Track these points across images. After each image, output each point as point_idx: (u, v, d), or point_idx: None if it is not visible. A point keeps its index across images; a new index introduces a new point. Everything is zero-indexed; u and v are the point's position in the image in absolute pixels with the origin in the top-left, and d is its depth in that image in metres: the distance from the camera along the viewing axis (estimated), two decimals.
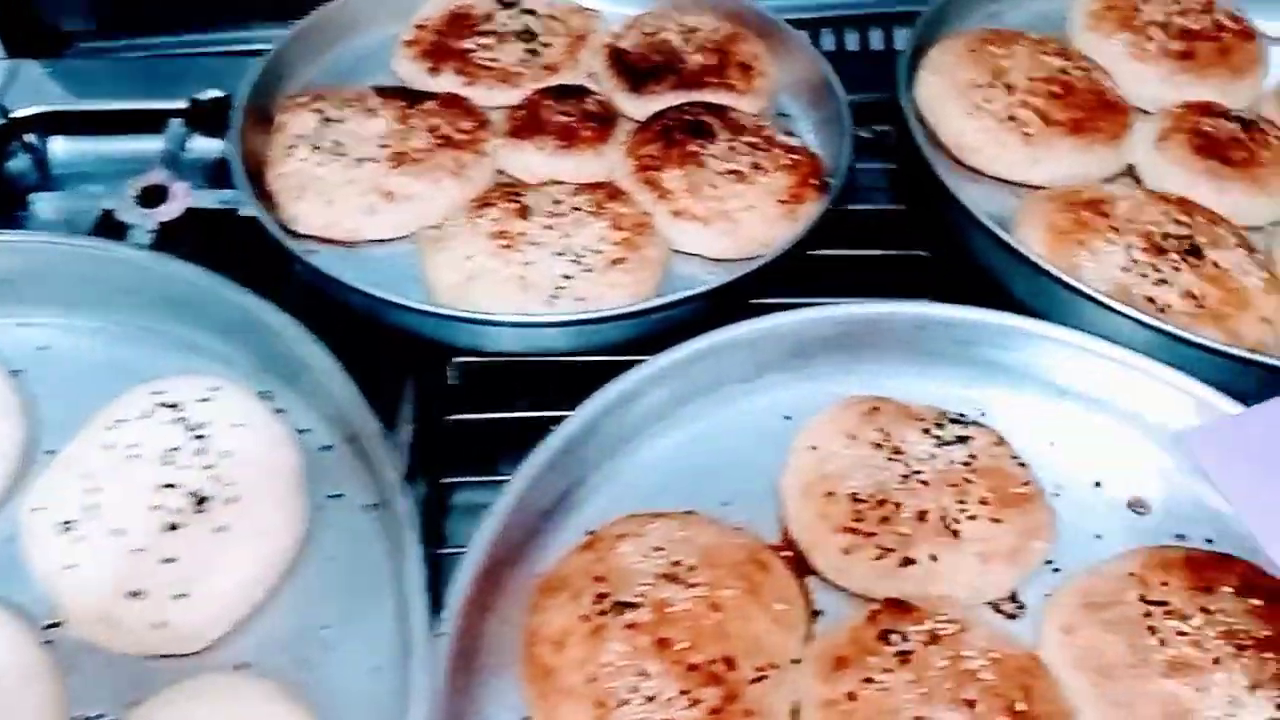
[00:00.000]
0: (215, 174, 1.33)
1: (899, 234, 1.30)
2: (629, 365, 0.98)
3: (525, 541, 0.91)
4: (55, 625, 0.85)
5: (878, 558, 0.87)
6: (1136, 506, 0.95)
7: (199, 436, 0.90)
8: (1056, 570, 0.90)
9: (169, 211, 1.23)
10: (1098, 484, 0.97)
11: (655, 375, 0.99)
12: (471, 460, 1.05)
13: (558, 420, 0.93)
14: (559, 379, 1.10)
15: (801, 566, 0.91)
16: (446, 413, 1.09)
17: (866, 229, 1.31)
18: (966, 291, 1.08)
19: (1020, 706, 0.77)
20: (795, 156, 1.26)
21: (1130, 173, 1.30)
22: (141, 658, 0.83)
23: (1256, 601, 0.82)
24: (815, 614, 0.89)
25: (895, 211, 1.34)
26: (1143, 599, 0.83)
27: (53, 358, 1.03)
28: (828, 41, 1.69)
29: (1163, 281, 1.08)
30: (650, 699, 0.78)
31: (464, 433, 1.07)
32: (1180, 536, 0.92)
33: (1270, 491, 0.74)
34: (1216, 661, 0.78)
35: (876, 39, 1.65)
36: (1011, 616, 0.88)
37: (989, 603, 0.89)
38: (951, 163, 1.29)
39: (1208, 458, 0.80)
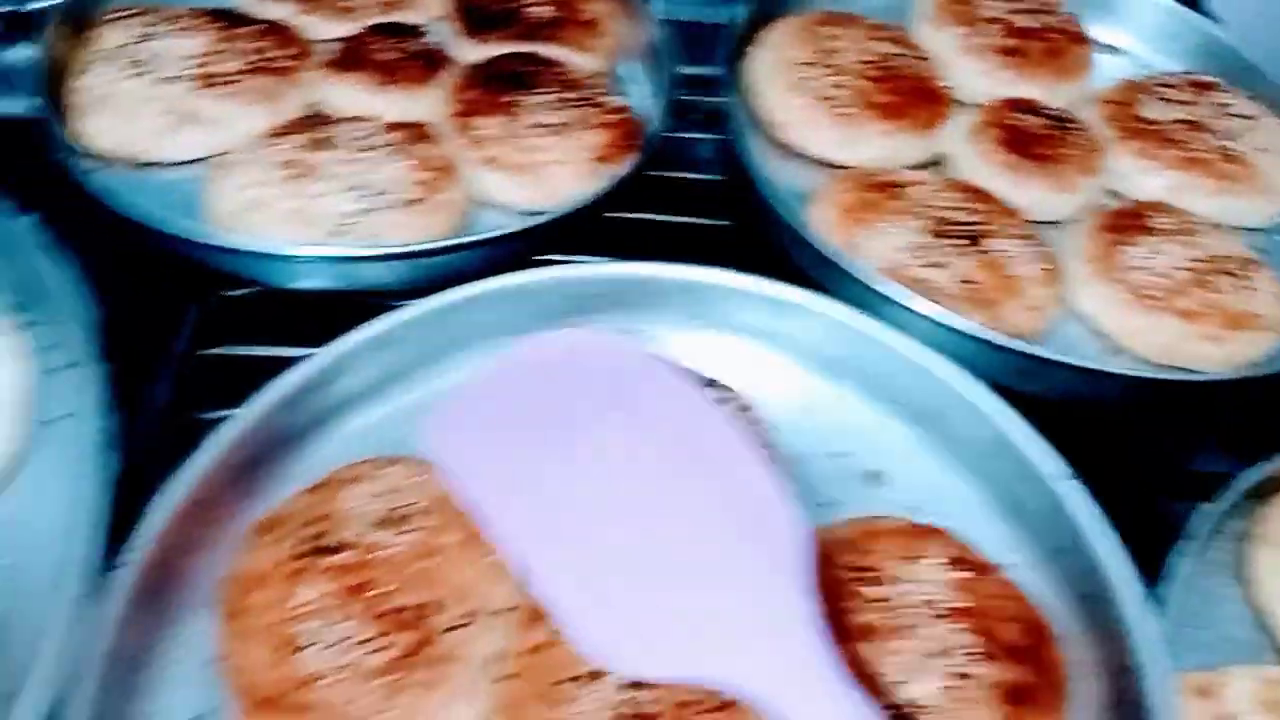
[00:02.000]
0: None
1: (713, 204, 1.29)
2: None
3: (253, 481, 0.89)
4: None
5: None
6: (872, 480, 0.96)
7: None
8: None
9: None
10: (840, 455, 0.98)
11: (417, 319, 0.97)
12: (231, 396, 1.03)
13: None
14: (335, 317, 1.08)
15: None
16: (208, 346, 1.07)
17: (684, 198, 1.31)
18: (768, 265, 1.08)
19: None
20: (615, 116, 1.26)
21: (944, 163, 1.31)
22: None
23: (961, 575, 0.83)
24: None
25: (716, 183, 1.33)
26: (855, 565, 0.83)
27: None
28: (687, 12, 1.67)
29: (936, 265, 1.10)
30: (337, 643, 0.77)
31: (223, 367, 1.05)
32: (912, 510, 0.93)
33: (503, 477, 0.70)
34: (903, 630, 0.79)
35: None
36: None
37: None
38: (775, 140, 1.28)
39: (441, 446, 0.73)
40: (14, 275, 0.97)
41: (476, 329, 1.01)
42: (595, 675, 0.76)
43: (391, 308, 0.97)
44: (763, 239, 1.19)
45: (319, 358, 0.92)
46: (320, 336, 0.96)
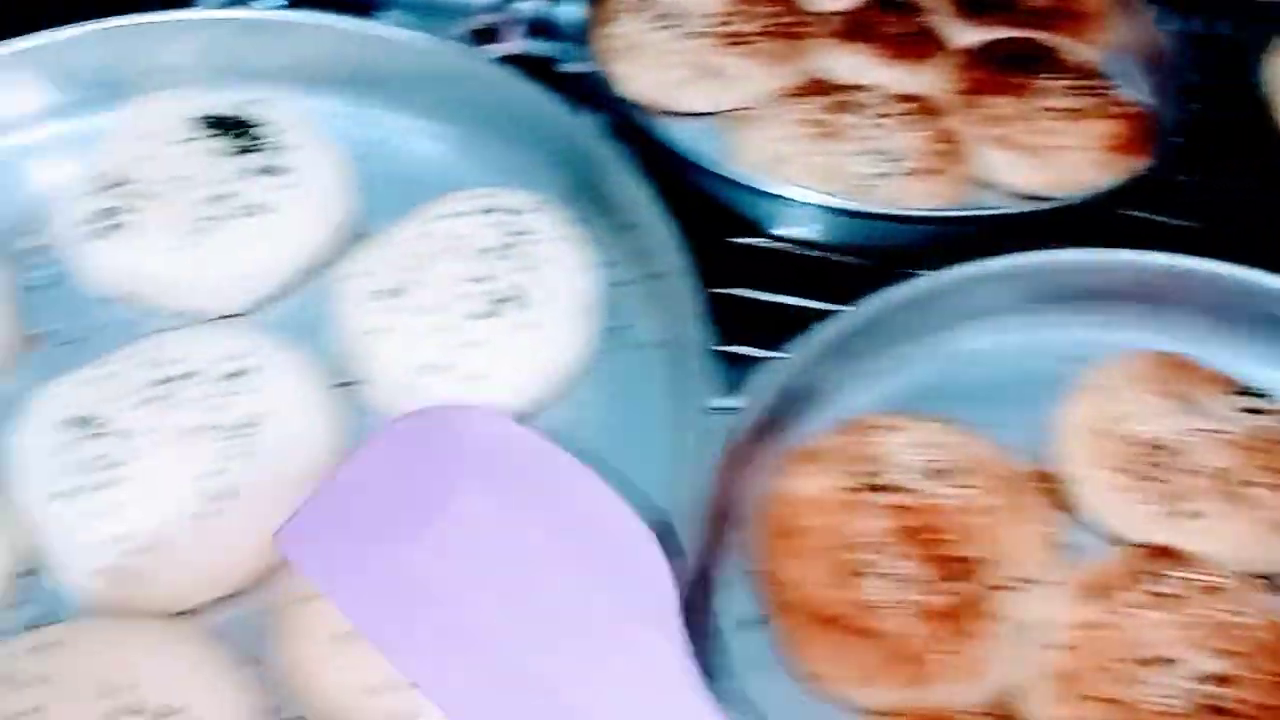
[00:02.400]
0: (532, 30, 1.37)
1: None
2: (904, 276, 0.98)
3: (777, 421, 0.91)
4: (349, 384, 0.90)
5: (1149, 503, 0.84)
6: None
7: (518, 241, 0.95)
8: None
9: (500, 49, 1.28)
10: None
11: (939, 287, 0.98)
12: (745, 336, 1.06)
13: (828, 313, 0.94)
14: (828, 276, 1.11)
15: (1060, 503, 0.89)
16: (723, 286, 1.11)
17: (1201, 203, 1.23)
18: None
19: None
20: (1129, 109, 1.22)
21: None
22: None
23: None
24: (1068, 550, 0.86)
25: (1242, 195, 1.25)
26: None
27: (386, 152, 1.11)
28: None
29: None
30: (894, 578, 0.78)
31: (738, 308, 1.08)
32: None
33: (368, 575, 0.64)
34: None
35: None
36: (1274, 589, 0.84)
37: (1258, 576, 0.84)
38: None
39: (301, 557, 0.68)
40: (583, 187, 1.04)
41: (987, 304, 1.01)
42: (1161, 660, 0.74)
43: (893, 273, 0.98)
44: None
45: (862, 309, 0.94)
46: (824, 293, 1.01)
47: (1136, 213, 1.18)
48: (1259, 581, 0.83)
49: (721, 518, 0.83)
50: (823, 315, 0.94)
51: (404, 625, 0.64)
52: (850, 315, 0.94)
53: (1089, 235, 1.05)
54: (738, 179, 1.09)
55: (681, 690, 0.62)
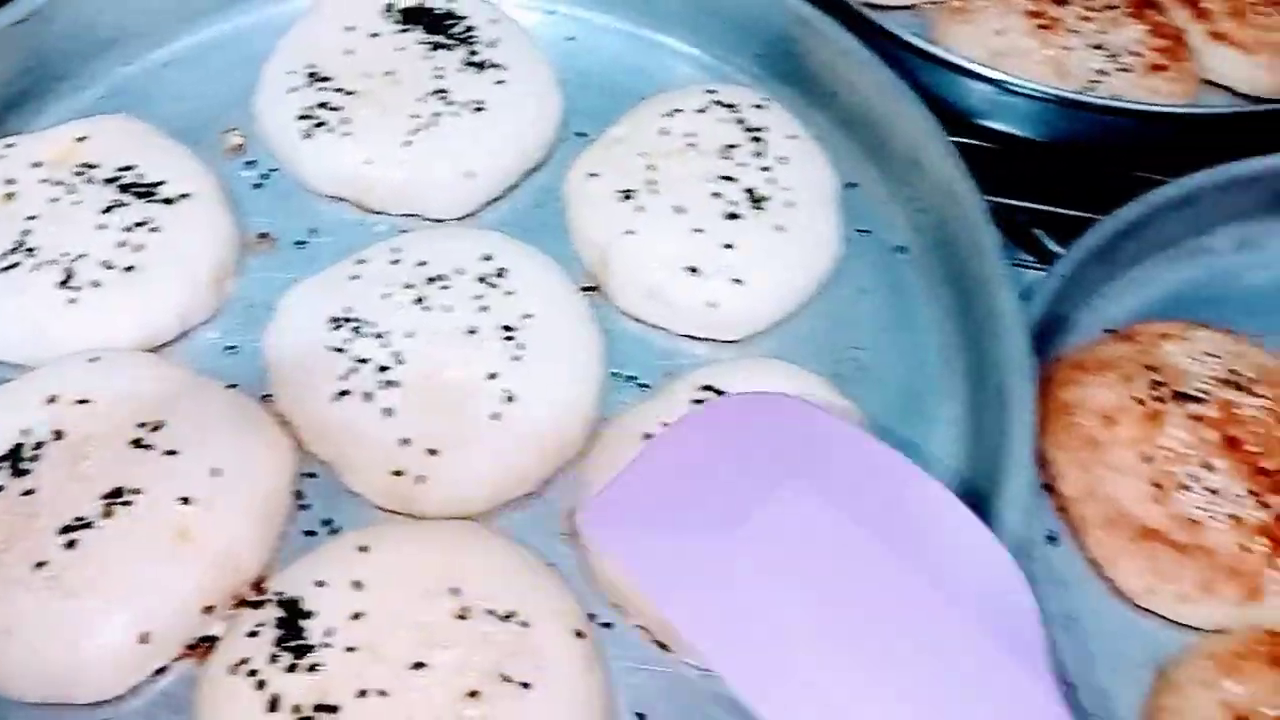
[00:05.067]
0: None
1: None
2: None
3: (1050, 330, 0.86)
4: (592, 289, 0.85)
5: None
6: None
7: (757, 139, 0.89)
8: None
9: None
10: None
11: (1196, 191, 0.92)
12: None
13: (1054, 215, 0.90)
14: (1053, 176, 1.05)
15: None
16: None
17: None
18: None
19: None
20: None
21: None
22: (677, 335, 0.83)
23: None
24: None
25: None
26: None
27: (581, 49, 1.04)
28: None
29: None
30: (1213, 491, 0.73)
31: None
32: None
33: (665, 556, 0.59)
34: None
35: None
36: None
37: None
38: None
39: (606, 539, 0.64)
40: (806, 87, 0.98)
41: (1242, 209, 0.96)
42: None
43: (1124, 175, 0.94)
44: None
45: (1123, 214, 0.89)
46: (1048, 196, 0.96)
47: None
48: None
49: None
50: (1052, 219, 0.90)
51: (717, 617, 0.58)
52: (1112, 220, 0.88)
53: None
54: (970, 68, 1.01)
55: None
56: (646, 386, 0.81)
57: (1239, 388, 0.79)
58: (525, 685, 0.60)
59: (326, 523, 0.73)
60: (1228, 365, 0.82)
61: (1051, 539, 0.78)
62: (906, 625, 0.57)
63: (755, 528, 0.60)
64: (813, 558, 0.59)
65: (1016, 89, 1.01)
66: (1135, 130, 1.04)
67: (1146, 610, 0.74)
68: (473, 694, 0.60)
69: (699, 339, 0.85)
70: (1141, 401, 0.78)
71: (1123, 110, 1.01)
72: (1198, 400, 0.78)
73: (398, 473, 0.71)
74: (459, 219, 0.90)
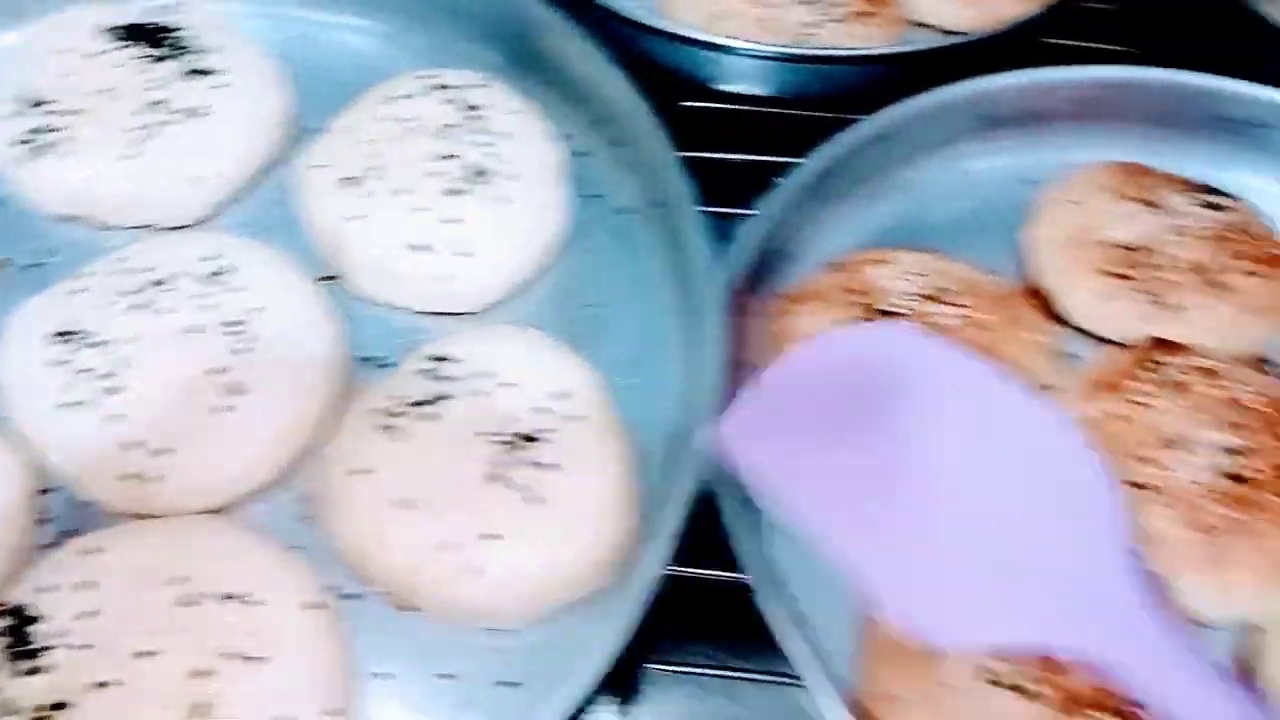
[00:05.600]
0: None
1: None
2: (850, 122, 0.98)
3: (767, 267, 0.91)
4: (330, 279, 0.87)
5: (1135, 302, 0.87)
6: None
7: (475, 117, 0.92)
8: None
9: None
10: None
11: (900, 120, 0.99)
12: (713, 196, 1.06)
13: (785, 165, 0.93)
14: (780, 128, 1.10)
15: (1050, 316, 0.91)
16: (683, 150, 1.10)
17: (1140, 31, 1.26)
18: None
19: None
20: None
21: None
22: (417, 314, 0.86)
23: None
24: (1064, 357, 0.89)
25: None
26: None
27: (310, 48, 1.06)
28: None
29: None
30: None
31: (701, 169, 1.07)
32: None
33: (810, 467, 0.66)
34: None
35: None
36: (1264, 374, 0.88)
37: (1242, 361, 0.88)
38: None
39: (738, 447, 0.69)
40: (531, 64, 1.02)
41: (937, 138, 1.03)
42: (1180, 440, 0.77)
43: (843, 119, 0.98)
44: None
45: (822, 154, 0.94)
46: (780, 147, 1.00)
47: (1064, 41, 1.20)
48: (1251, 362, 0.87)
49: (734, 365, 0.83)
50: (782, 169, 0.94)
51: (848, 515, 0.65)
52: (813, 162, 0.94)
53: (1022, 65, 1.05)
54: (686, 35, 1.06)
55: (1131, 603, 0.61)
56: (394, 366, 0.83)
57: (939, 301, 0.86)
58: (259, 659, 0.62)
59: (69, 533, 0.73)
60: (931, 282, 0.88)
61: None
62: (1010, 524, 0.64)
63: (875, 438, 0.67)
64: (926, 462, 0.66)
65: (731, 50, 1.06)
66: (850, 77, 1.11)
67: None
68: (203, 673, 0.61)
69: (441, 314, 0.87)
70: (848, 323, 0.84)
71: (829, 58, 1.08)
72: (899, 315, 0.83)
73: (131, 476, 0.72)
74: (195, 224, 0.90)
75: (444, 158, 0.90)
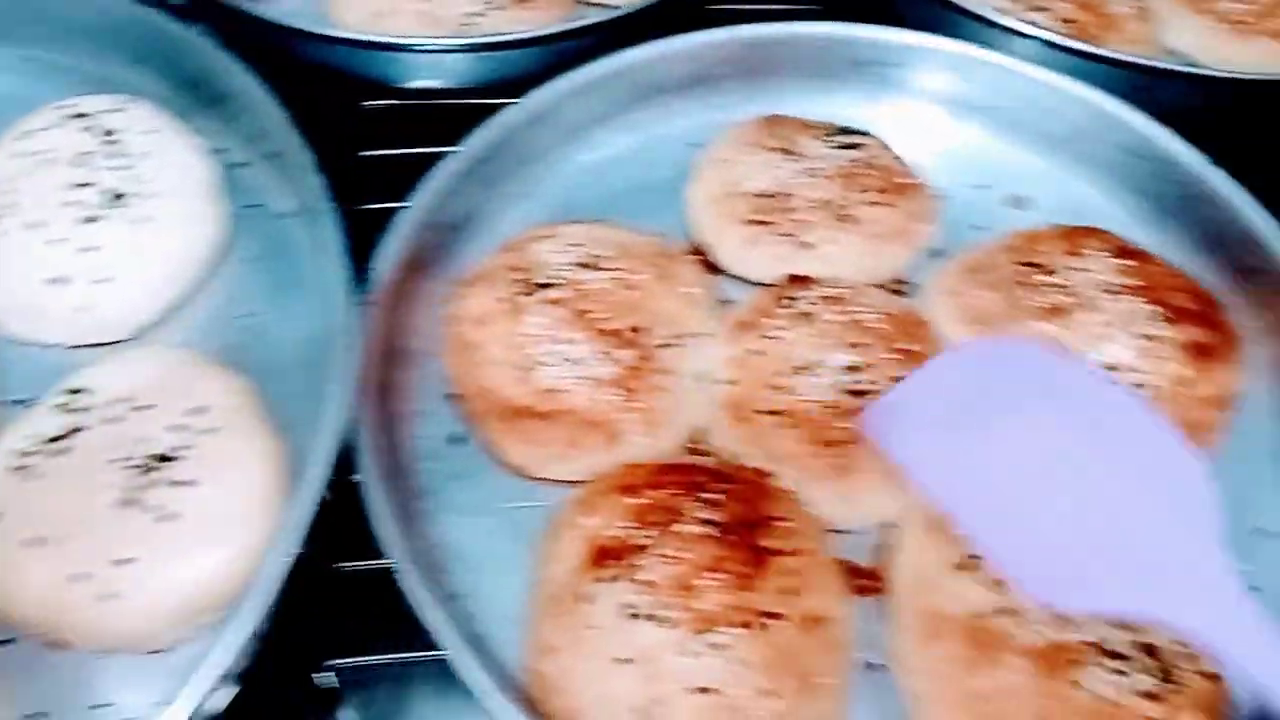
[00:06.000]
0: None
1: None
2: None
3: (440, 254, 0.94)
4: None
5: (775, 244, 0.92)
6: (1016, 203, 1.01)
7: (112, 141, 0.91)
8: (941, 255, 0.96)
9: None
10: (981, 186, 1.03)
11: (555, 98, 1.02)
12: (384, 191, 1.06)
13: None
14: (463, 120, 1.11)
15: (710, 268, 0.96)
16: (357, 150, 1.10)
17: None
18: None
19: (904, 346, 0.83)
20: None
21: None
22: (71, 349, 0.84)
23: (1127, 262, 0.88)
24: (724, 304, 0.93)
25: None
26: (1019, 262, 0.89)
27: None
28: None
29: (1038, 9, 1.14)
30: (570, 360, 0.82)
31: (375, 167, 1.08)
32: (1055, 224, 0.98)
33: (945, 457, 0.75)
34: (1083, 305, 0.85)
35: None
36: (900, 294, 0.94)
37: (879, 285, 0.94)
38: None
39: (884, 436, 0.78)
40: (178, 84, 1.01)
41: (607, 107, 1.06)
42: (810, 366, 0.82)
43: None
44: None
45: (479, 138, 0.96)
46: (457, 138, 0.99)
47: (727, 6, 1.25)
48: (883, 287, 0.93)
49: (396, 355, 0.85)
50: None
51: (977, 497, 0.73)
52: (466, 149, 0.96)
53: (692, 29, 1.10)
54: (340, 37, 1.07)
55: (1220, 580, 0.66)
56: None
57: (594, 267, 0.89)
58: None
59: None
60: (588, 250, 0.91)
61: (456, 439, 0.84)
62: (1117, 508, 0.71)
63: (1005, 432, 0.75)
64: (1048, 454, 0.74)
65: (395, 47, 1.08)
66: (525, 60, 1.13)
67: (538, 478, 0.82)
68: None
69: (96, 346, 0.85)
70: (507, 299, 0.86)
71: (494, 44, 1.09)
72: (552, 286, 0.86)
73: None
74: None
75: (79, 186, 0.88)
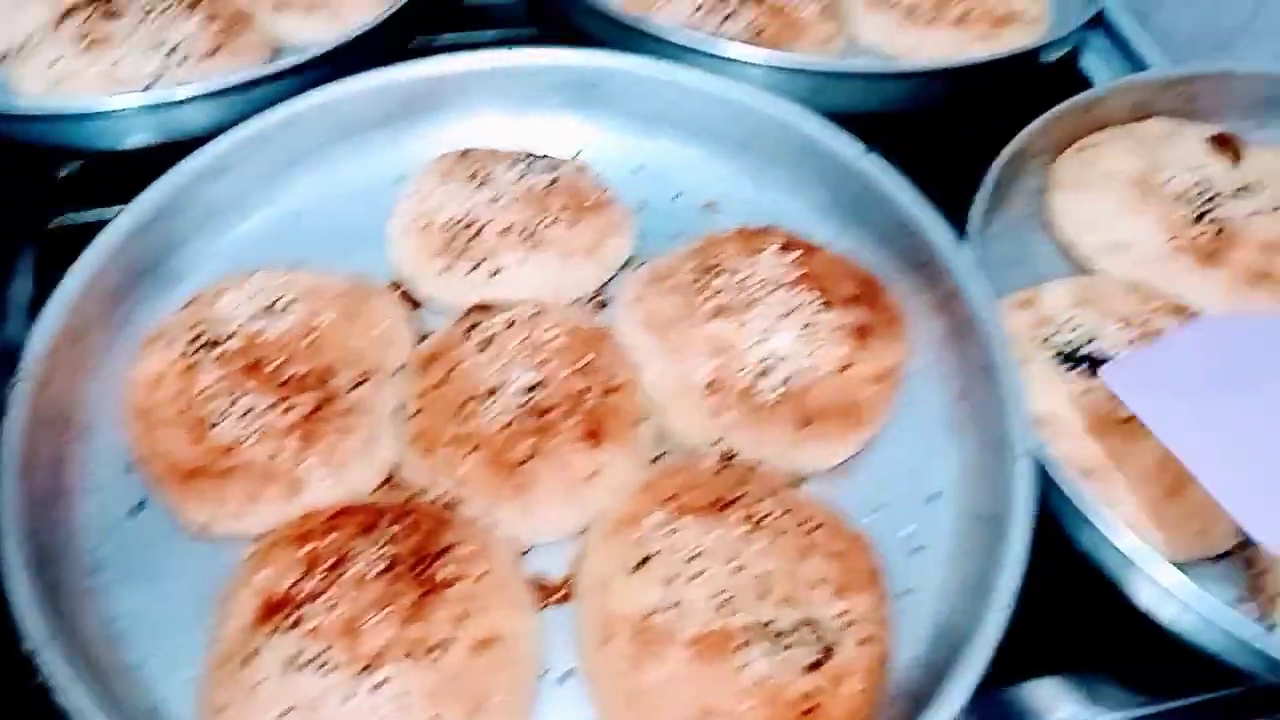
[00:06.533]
0: None
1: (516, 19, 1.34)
2: None
3: (119, 317, 0.92)
4: None
5: (467, 272, 0.93)
6: (709, 209, 1.05)
7: None
8: (639, 266, 0.99)
9: None
10: (677, 196, 1.06)
11: (234, 146, 1.00)
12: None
13: None
14: None
15: (412, 301, 0.96)
16: (52, 217, 1.08)
17: (485, 17, 1.36)
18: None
19: (585, 361, 0.85)
20: None
21: None
22: None
23: (795, 254, 0.92)
24: (426, 337, 0.94)
25: None
26: (700, 267, 0.92)
27: None
28: None
29: (728, 18, 1.18)
30: (245, 414, 0.81)
31: (73, 234, 1.05)
32: (748, 224, 1.01)
33: (1192, 418, 0.79)
34: (753, 302, 0.88)
35: None
36: (601, 307, 0.96)
37: (579, 301, 0.96)
38: None
39: (1128, 391, 0.81)
40: None
41: (307, 145, 1.05)
42: (492, 390, 0.83)
43: None
44: (564, 25, 1.25)
45: (148, 194, 0.95)
46: None
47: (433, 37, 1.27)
48: (572, 306, 0.95)
49: (66, 427, 0.83)
50: None
51: (1220, 450, 0.77)
52: (139, 204, 0.94)
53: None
54: (28, 113, 1.04)
55: None
56: None
57: (277, 315, 0.88)
58: None
59: None
60: (273, 299, 0.90)
61: (140, 506, 0.82)
62: None
63: (1247, 399, 0.79)
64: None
65: (80, 115, 1.05)
66: (219, 111, 1.10)
67: (224, 538, 0.80)
68: None
69: None
70: (181, 358, 0.85)
71: (174, 101, 1.07)
72: (226, 341, 0.85)
73: None
74: None
75: None
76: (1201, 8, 1.34)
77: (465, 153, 1.04)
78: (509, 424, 0.81)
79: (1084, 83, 1.33)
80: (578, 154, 1.10)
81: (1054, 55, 1.22)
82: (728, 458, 0.84)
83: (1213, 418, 0.80)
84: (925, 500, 0.85)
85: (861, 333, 0.88)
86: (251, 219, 1.03)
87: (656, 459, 0.87)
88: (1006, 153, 1.01)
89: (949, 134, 1.14)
